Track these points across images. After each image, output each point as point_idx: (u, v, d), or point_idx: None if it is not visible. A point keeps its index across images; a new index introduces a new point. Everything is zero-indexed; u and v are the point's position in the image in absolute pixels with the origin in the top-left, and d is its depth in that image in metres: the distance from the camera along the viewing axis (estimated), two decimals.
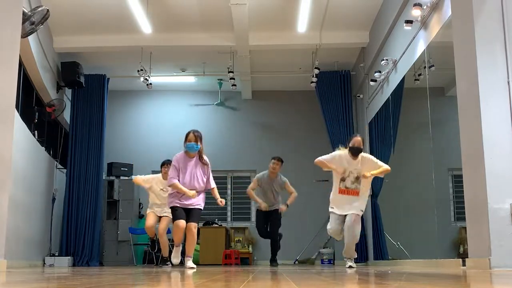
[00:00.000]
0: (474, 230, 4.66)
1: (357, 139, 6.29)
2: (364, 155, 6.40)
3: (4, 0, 5.08)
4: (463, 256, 5.20)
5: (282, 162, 8.12)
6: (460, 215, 5.93)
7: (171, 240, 7.52)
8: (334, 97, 10.31)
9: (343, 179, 6.27)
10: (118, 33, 9.35)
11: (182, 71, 10.99)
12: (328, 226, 6.50)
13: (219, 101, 11.76)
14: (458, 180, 5.56)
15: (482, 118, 4.54)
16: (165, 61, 10.35)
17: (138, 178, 7.83)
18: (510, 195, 4.42)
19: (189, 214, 6.26)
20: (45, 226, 9.30)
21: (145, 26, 8.84)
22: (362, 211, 6.37)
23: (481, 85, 4.59)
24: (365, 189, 6.33)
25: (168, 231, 7.79)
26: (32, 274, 4.27)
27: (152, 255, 9.62)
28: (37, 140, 8.72)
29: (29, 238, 8.31)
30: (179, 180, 6.16)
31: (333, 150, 6.76)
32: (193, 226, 6.23)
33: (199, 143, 6.17)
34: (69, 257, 9.55)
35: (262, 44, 9.49)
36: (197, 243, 8.25)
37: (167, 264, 7.69)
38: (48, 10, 6.48)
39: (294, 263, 10.65)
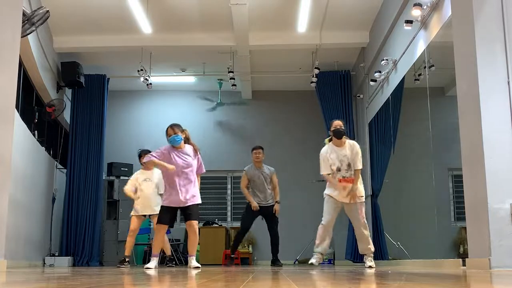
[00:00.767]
0: (474, 230, 4.66)
1: (337, 122, 6.47)
2: (351, 142, 6.51)
3: (4, 0, 5.08)
4: (463, 256, 5.21)
5: (262, 149, 8.15)
6: (460, 215, 5.93)
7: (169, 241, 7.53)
8: (334, 97, 10.31)
9: (338, 169, 6.32)
10: (118, 33, 9.36)
11: (182, 71, 11.00)
12: (324, 217, 6.37)
13: (219, 101, 11.77)
14: (458, 180, 5.56)
15: (482, 118, 4.54)
16: (165, 61, 10.36)
17: (127, 190, 7.54)
18: (510, 195, 4.42)
19: (186, 212, 6.15)
20: (45, 226, 9.30)
21: (145, 26, 8.84)
22: (363, 196, 6.41)
23: (481, 85, 4.59)
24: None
25: (168, 231, 7.77)
26: (32, 274, 4.27)
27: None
28: (37, 140, 8.72)
29: (29, 238, 8.31)
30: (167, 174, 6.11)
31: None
32: (194, 223, 6.10)
33: (179, 134, 6.13)
34: (69, 257, 9.55)
35: (262, 44, 9.49)
36: (197, 243, 8.19)
37: (174, 265, 7.68)
38: (48, 11, 6.49)
39: (294, 263, 10.65)
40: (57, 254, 9.68)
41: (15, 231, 7.40)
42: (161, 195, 7.16)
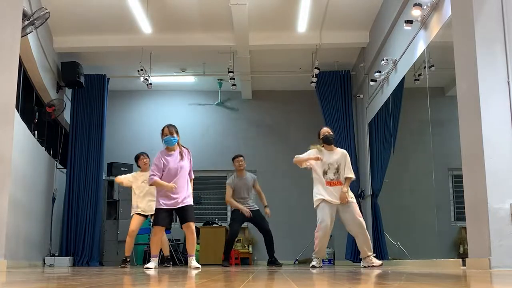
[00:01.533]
0: (474, 230, 4.66)
1: (325, 129, 6.68)
2: (343, 151, 6.66)
3: (4, 0, 5.09)
4: (463, 256, 5.20)
5: (243, 157, 8.22)
6: (460, 215, 5.93)
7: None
8: (334, 97, 10.31)
9: (325, 172, 6.44)
10: (118, 33, 9.36)
11: (182, 71, 10.99)
12: (322, 224, 6.35)
13: (219, 101, 11.76)
14: (458, 180, 5.56)
15: (482, 118, 4.54)
16: (165, 61, 10.36)
17: (119, 177, 7.70)
18: (510, 195, 4.42)
19: (182, 213, 6.19)
20: (45, 226, 9.30)
21: (145, 26, 8.84)
22: (353, 197, 6.50)
23: (481, 85, 4.59)
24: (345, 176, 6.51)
25: (168, 231, 7.77)
26: (32, 274, 4.27)
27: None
28: (37, 140, 8.72)
29: (29, 238, 8.31)
30: (162, 177, 6.14)
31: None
32: (192, 224, 6.17)
33: (175, 135, 6.17)
34: (69, 257, 9.54)
35: (262, 44, 9.49)
36: (197, 243, 8.20)
37: (170, 264, 7.69)
38: (48, 12, 6.49)
39: (294, 263, 10.65)
40: (57, 254, 9.68)
41: (15, 231, 7.39)
42: None
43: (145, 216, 7.52)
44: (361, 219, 6.43)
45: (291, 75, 10.85)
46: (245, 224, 11.31)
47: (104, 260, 10.29)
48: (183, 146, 6.31)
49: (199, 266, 6.24)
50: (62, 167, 10.28)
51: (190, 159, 6.34)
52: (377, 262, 6.39)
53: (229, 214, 11.64)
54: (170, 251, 8.34)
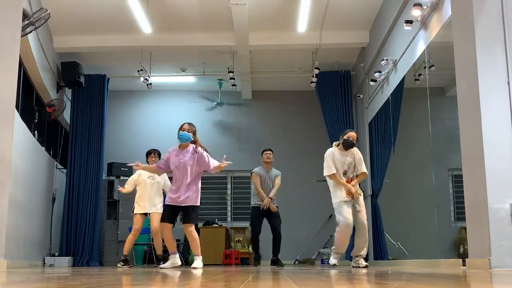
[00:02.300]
0: (474, 230, 4.66)
1: (352, 134, 6.55)
2: (356, 150, 6.61)
3: (4, 0, 5.09)
4: (463, 256, 5.20)
5: (272, 151, 8.37)
6: (460, 215, 5.93)
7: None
8: (334, 97, 10.31)
9: (345, 172, 6.42)
10: (118, 33, 9.36)
11: (182, 71, 11.00)
12: (342, 218, 6.30)
13: (219, 101, 11.76)
14: (458, 180, 5.56)
15: (482, 118, 4.54)
16: (165, 61, 10.36)
17: (122, 189, 7.57)
18: (510, 195, 4.42)
19: (183, 213, 6.15)
20: (45, 226, 9.30)
21: (145, 26, 8.84)
22: (361, 194, 6.59)
23: (481, 85, 4.59)
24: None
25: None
26: (32, 274, 4.27)
27: (152, 255, 9.63)
28: (37, 140, 8.72)
29: (29, 238, 8.31)
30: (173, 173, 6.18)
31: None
32: (188, 226, 6.12)
33: (190, 134, 6.15)
34: (69, 257, 9.55)
35: (262, 44, 9.49)
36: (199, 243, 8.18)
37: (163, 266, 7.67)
38: (49, 13, 6.49)
39: (294, 263, 10.65)
40: (57, 254, 9.68)
41: (15, 231, 7.39)
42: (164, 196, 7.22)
43: (145, 214, 7.51)
44: (365, 221, 6.44)
45: (291, 75, 10.85)
46: (245, 224, 11.37)
47: (104, 260, 10.29)
48: (201, 146, 6.23)
49: (198, 266, 6.15)
50: (62, 167, 10.28)
51: (201, 155, 6.16)
52: (363, 263, 6.43)
53: (229, 214, 11.67)
54: (165, 251, 8.34)
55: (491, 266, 4.29)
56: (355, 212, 6.43)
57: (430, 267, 6.03)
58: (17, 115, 6.89)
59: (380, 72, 8.40)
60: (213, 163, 6.24)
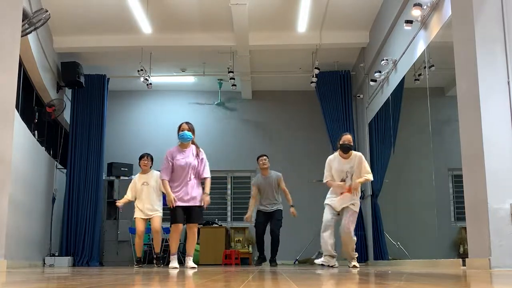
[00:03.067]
0: (474, 230, 4.66)
1: (346, 137, 6.47)
2: (357, 153, 6.55)
3: (4, 0, 5.09)
4: (463, 256, 5.20)
5: (267, 156, 8.34)
6: (460, 215, 5.92)
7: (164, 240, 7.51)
8: (334, 97, 10.31)
9: (343, 180, 6.38)
10: (118, 33, 9.36)
11: (182, 71, 10.99)
12: (323, 219, 6.52)
13: (219, 101, 11.76)
14: (458, 180, 5.55)
15: (482, 118, 4.54)
16: (165, 61, 10.36)
17: (120, 202, 7.69)
18: (510, 195, 4.42)
19: (188, 213, 6.24)
20: (45, 226, 9.30)
21: (145, 26, 8.84)
22: (356, 204, 6.49)
23: (481, 85, 4.59)
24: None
25: (167, 230, 7.77)
26: (32, 274, 4.27)
27: (152, 255, 9.63)
28: (37, 140, 8.72)
29: (29, 238, 8.31)
30: (173, 174, 6.20)
31: (333, 150, 6.83)
32: (193, 226, 6.27)
33: (191, 133, 6.28)
34: (69, 257, 9.55)
35: (262, 44, 9.49)
36: (197, 243, 8.22)
37: (159, 264, 7.68)
38: (49, 14, 6.49)
39: (294, 263, 10.65)
40: (57, 254, 9.68)
41: (15, 231, 7.39)
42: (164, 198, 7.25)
43: (146, 218, 7.54)
44: (349, 230, 6.40)
45: (291, 75, 10.85)
46: (245, 224, 11.37)
47: (104, 260, 10.29)
48: (197, 146, 6.37)
49: (195, 266, 6.29)
50: (62, 167, 10.28)
51: (203, 159, 6.34)
52: (352, 264, 6.50)
53: (229, 214, 11.68)
54: (164, 250, 8.36)
55: (491, 266, 4.29)
56: (340, 219, 6.44)
57: (430, 267, 6.03)
58: (17, 115, 6.89)
59: (380, 72, 8.40)
60: (207, 174, 6.36)
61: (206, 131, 11.70)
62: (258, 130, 11.75)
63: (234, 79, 10.07)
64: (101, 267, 8.83)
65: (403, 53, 7.45)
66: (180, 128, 6.28)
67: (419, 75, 7.10)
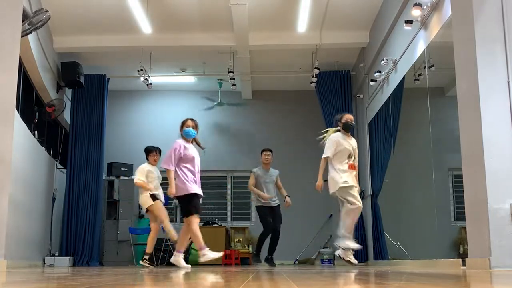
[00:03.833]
0: (474, 230, 4.66)
1: (349, 116, 6.46)
2: (352, 138, 6.53)
3: (4, 0, 5.09)
4: (463, 256, 5.20)
5: (272, 151, 8.34)
6: (460, 215, 5.92)
7: (164, 240, 7.47)
8: (334, 97, 10.31)
9: (350, 156, 6.27)
10: (118, 33, 9.36)
11: (182, 71, 10.99)
12: (357, 203, 6.03)
13: (219, 101, 11.76)
14: (458, 180, 5.55)
15: (482, 118, 4.54)
16: (165, 61, 10.36)
17: (139, 181, 7.51)
18: (510, 195, 4.42)
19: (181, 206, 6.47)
20: (45, 226, 9.30)
21: (145, 26, 8.84)
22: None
23: (481, 85, 4.59)
24: None
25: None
26: (32, 274, 4.27)
27: (152, 255, 9.62)
28: (37, 140, 8.72)
29: (29, 238, 8.31)
30: (185, 169, 6.18)
31: (327, 127, 6.74)
32: (184, 219, 6.45)
33: (195, 130, 6.38)
34: (69, 257, 9.55)
35: (262, 44, 9.49)
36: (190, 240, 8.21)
37: (151, 264, 7.62)
38: (49, 14, 6.48)
39: (294, 263, 10.65)
40: (57, 254, 9.68)
41: (15, 231, 7.39)
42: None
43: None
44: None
45: (291, 75, 10.85)
46: (245, 224, 11.37)
47: (104, 260, 10.29)
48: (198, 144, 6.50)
49: (184, 266, 6.40)
50: (62, 167, 10.28)
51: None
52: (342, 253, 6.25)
53: (229, 214, 11.66)
54: (164, 250, 8.35)
55: (491, 266, 4.29)
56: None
57: (430, 267, 6.03)
58: (17, 115, 6.89)
59: (380, 72, 8.40)
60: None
61: (205, 131, 11.70)
62: (258, 130, 11.75)
63: (234, 79, 10.07)
64: (101, 267, 8.83)
65: (403, 53, 7.45)
66: (185, 124, 6.35)
67: (419, 75, 7.10)
